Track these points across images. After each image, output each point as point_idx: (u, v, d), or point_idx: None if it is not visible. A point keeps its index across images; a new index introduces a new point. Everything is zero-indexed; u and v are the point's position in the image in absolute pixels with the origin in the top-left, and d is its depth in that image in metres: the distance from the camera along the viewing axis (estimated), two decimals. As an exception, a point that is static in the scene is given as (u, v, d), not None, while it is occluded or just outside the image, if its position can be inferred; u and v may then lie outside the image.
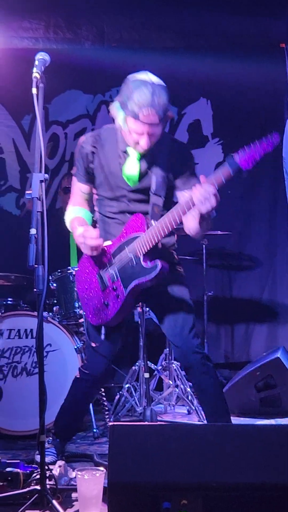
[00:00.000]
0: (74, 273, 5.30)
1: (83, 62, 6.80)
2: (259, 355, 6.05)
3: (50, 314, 5.28)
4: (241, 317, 7.05)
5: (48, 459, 3.85)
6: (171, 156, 3.93)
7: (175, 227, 3.70)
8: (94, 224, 4.16)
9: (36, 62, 3.56)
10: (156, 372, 5.79)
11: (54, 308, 5.39)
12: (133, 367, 5.52)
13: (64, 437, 4.27)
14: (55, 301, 5.45)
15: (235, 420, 5.34)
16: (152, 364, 5.69)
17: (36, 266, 3.21)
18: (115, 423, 3.63)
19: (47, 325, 5.07)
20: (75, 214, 4.10)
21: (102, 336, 3.97)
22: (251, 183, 7.10)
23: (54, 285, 5.42)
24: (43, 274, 3.23)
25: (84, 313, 4.13)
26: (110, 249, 3.95)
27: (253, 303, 7.06)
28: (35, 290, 3.25)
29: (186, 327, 3.97)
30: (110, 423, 3.11)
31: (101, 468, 3.32)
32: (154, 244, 3.74)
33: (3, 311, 5.25)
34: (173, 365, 5.71)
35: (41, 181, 3.29)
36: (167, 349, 5.80)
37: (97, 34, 6.86)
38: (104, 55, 6.62)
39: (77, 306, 5.27)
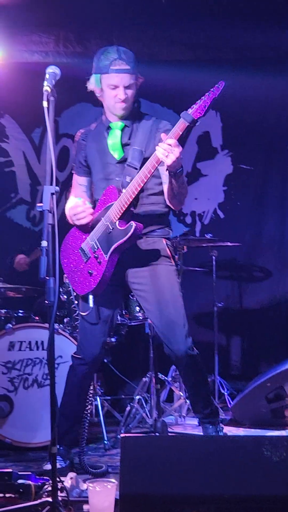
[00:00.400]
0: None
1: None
2: (269, 366, 6.04)
3: (61, 326, 5.30)
4: (252, 328, 7.04)
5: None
6: (149, 133, 4.18)
7: (142, 185, 3.92)
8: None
9: (47, 76, 3.60)
10: (166, 383, 5.79)
11: (65, 320, 5.41)
12: (144, 379, 5.52)
13: (68, 442, 4.30)
14: (66, 313, 5.47)
15: (246, 431, 5.34)
16: (163, 376, 5.69)
17: (47, 278, 3.23)
18: (126, 434, 3.63)
19: (58, 336, 5.08)
20: (73, 203, 4.31)
21: (91, 303, 4.14)
22: (260, 195, 7.11)
23: (65, 296, 5.45)
24: (54, 286, 3.24)
25: (72, 288, 4.32)
26: (89, 224, 4.18)
27: (264, 314, 7.05)
28: (46, 302, 3.26)
29: (178, 328, 4.16)
30: (121, 435, 3.12)
31: (113, 480, 3.31)
32: (126, 207, 3.97)
33: (14, 323, 5.27)
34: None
35: (52, 194, 3.31)
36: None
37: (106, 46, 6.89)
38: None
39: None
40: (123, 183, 4.07)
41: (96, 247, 4.11)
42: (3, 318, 5.55)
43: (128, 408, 5.43)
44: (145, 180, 3.90)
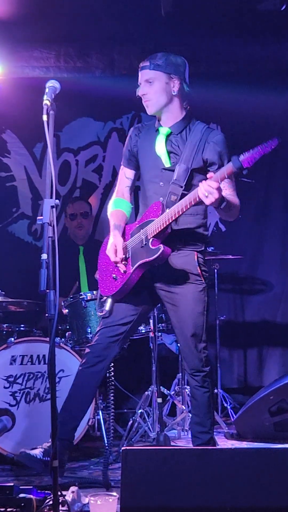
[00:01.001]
0: (86, 298, 5.33)
1: (93, 90, 6.87)
2: (272, 379, 6.03)
3: (63, 339, 5.30)
4: (254, 341, 7.03)
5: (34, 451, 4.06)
6: (197, 145, 4.21)
7: (181, 214, 3.97)
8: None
9: (46, 90, 3.64)
10: (169, 397, 5.78)
11: (67, 334, 5.41)
12: (146, 392, 5.51)
13: (62, 436, 4.07)
14: (68, 327, 5.47)
15: (249, 445, 5.32)
16: (165, 389, 5.68)
17: (47, 291, 3.23)
18: (127, 447, 3.61)
19: (59, 350, 5.09)
20: (116, 207, 4.46)
21: (107, 306, 4.22)
22: (262, 207, 7.12)
23: (67, 310, 5.45)
24: (55, 299, 3.24)
25: (98, 285, 4.41)
26: (131, 229, 4.31)
27: (266, 327, 7.04)
28: (46, 315, 3.26)
29: (197, 345, 4.19)
30: (123, 448, 3.10)
31: (114, 494, 3.30)
32: (163, 228, 4.02)
33: (15, 337, 5.26)
34: (186, 390, 5.68)
35: (52, 207, 3.33)
36: (180, 374, 5.79)
37: (107, 62, 6.94)
38: (114, 83, 6.68)
39: (89, 331, 5.28)
40: (167, 202, 4.11)
41: (127, 256, 4.22)
42: (4, 332, 5.55)
43: (130, 422, 5.42)
44: (184, 210, 3.95)
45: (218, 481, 2.97)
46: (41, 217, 3.33)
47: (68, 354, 5.14)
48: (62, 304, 5.47)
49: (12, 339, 5.14)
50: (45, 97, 3.59)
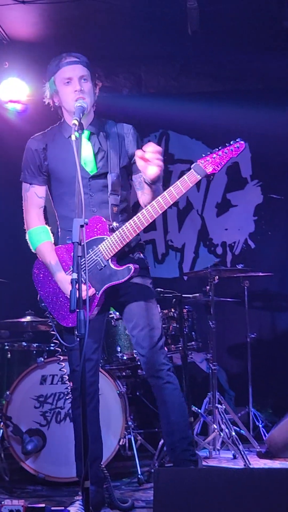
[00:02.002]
0: (116, 317, 5.32)
1: (121, 108, 6.89)
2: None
3: (93, 359, 5.28)
4: (286, 359, 6.96)
5: (72, 510, 3.85)
6: (118, 144, 4.02)
7: (142, 229, 3.78)
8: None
9: (74, 110, 3.64)
10: (200, 416, 5.73)
11: (97, 353, 5.39)
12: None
13: (94, 478, 4.01)
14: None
15: (282, 464, 5.25)
16: (196, 408, 5.63)
17: (77, 310, 3.22)
18: (159, 467, 3.58)
19: (90, 370, 5.07)
20: (42, 239, 4.13)
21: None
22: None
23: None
24: (85, 318, 3.23)
25: (53, 315, 4.07)
26: (70, 251, 3.95)
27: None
28: (77, 334, 3.25)
29: (155, 336, 3.99)
30: (155, 468, 3.08)
31: (146, 514, 3.27)
32: (122, 246, 3.80)
33: (45, 356, 5.26)
34: (218, 409, 5.63)
35: (81, 226, 3.32)
36: (211, 392, 5.74)
37: (134, 81, 6.98)
38: (142, 101, 6.70)
39: (119, 350, 5.27)
40: (111, 214, 3.93)
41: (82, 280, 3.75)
42: (34, 352, 5.55)
43: (161, 442, 5.36)
44: (146, 225, 3.75)
45: (251, 501, 2.93)
46: (69, 237, 3.33)
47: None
48: None
49: (42, 358, 5.13)
50: (73, 117, 3.61)
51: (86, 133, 4.01)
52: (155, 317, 4.03)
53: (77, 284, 3.19)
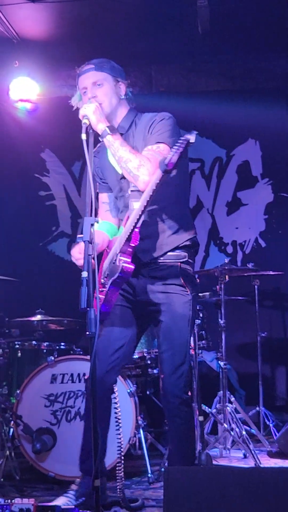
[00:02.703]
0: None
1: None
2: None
3: (103, 358, 5.27)
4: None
5: (59, 501, 3.83)
6: (144, 134, 3.90)
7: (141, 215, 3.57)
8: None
9: None
10: (210, 415, 5.72)
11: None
12: (187, 411, 5.46)
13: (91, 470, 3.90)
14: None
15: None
16: (206, 407, 5.63)
17: (88, 309, 3.22)
18: (169, 467, 3.57)
19: (100, 369, 5.07)
20: (98, 228, 3.91)
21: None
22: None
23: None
24: (95, 317, 3.23)
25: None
26: (111, 245, 3.98)
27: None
28: (87, 333, 3.25)
29: (174, 362, 3.82)
30: (165, 467, 3.07)
31: (157, 513, 3.27)
32: (124, 241, 3.65)
33: (56, 355, 5.26)
34: (228, 408, 5.63)
35: (92, 225, 3.32)
36: (221, 391, 5.73)
37: (145, 80, 6.97)
38: (153, 100, 6.68)
39: (130, 349, 5.26)
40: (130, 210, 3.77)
41: (106, 273, 3.86)
42: (45, 351, 5.56)
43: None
44: (143, 209, 3.51)
45: (261, 500, 2.92)
46: (81, 235, 3.32)
47: (108, 372, 5.11)
48: None
49: (53, 357, 5.13)
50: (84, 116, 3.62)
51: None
52: (180, 340, 3.84)
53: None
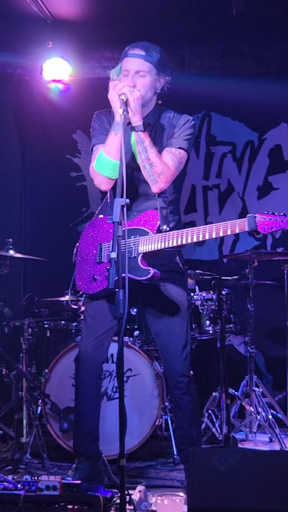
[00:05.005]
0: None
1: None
2: None
3: (131, 339, 5.30)
4: None
5: None
6: (168, 131, 4.04)
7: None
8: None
9: None
10: (237, 398, 5.73)
11: (135, 333, 5.42)
12: (214, 394, 5.48)
13: (86, 453, 4.15)
14: (136, 326, 5.48)
15: None
16: (233, 391, 5.63)
17: (116, 290, 3.23)
18: (194, 448, 3.59)
19: (127, 350, 5.10)
20: None
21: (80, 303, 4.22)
22: None
23: (135, 310, 5.46)
24: (124, 298, 3.24)
25: (75, 275, 4.16)
26: (109, 226, 4.04)
27: None
28: (115, 314, 3.26)
29: (179, 345, 4.06)
30: (190, 448, 3.09)
31: (181, 494, 3.29)
32: (158, 249, 3.83)
33: (84, 336, 5.30)
34: (255, 392, 5.63)
35: (122, 206, 3.33)
36: (248, 375, 5.73)
37: (178, 62, 6.93)
38: (185, 82, 6.64)
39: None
40: (161, 217, 3.92)
41: (103, 260, 4.03)
42: (73, 331, 5.60)
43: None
44: (184, 244, 3.81)
45: (285, 483, 2.92)
46: (111, 217, 3.34)
47: (136, 353, 5.14)
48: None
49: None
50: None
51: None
52: (182, 327, 4.08)
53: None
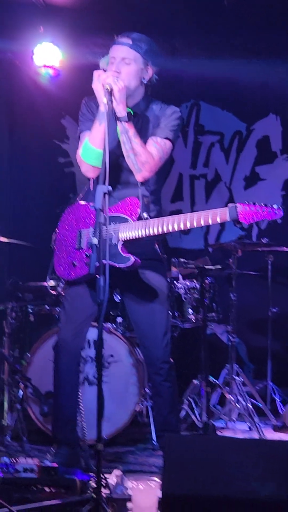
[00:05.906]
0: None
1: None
2: None
3: (113, 325, 5.33)
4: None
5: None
6: (154, 122, 4.06)
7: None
8: None
9: None
10: (217, 386, 5.76)
11: (118, 320, 5.44)
12: (194, 381, 5.52)
13: (65, 439, 4.21)
14: (119, 313, 5.51)
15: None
16: (214, 379, 5.67)
17: (97, 276, 3.26)
18: (171, 434, 3.63)
19: (110, 336, 5.13)
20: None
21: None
22: None
23: (119, 297, 5.48)
24: (104, 284, 3.27)
25: (54, 260, 4.23)
26: (88, 212, 4.10)
27: None
28: (96, 300, 3.29)
29: (159, 332, 4.09)
30: (166, 435, 3.12)
31: (156, 479, 3.33)
32: (138, 237, 3.85)
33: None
34: (235, 381, 5.67)
35: (105, 193, 3.35)
36: (229, 364, 5.77)
37: (168, 51, 6.93)
38: (174, 72, 6.64)
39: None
40: (142, 205, 3.92)
41: (82, 247, 4.05)
42: (57, 316, 5.61)
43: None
44: (164, 233, 3.84)
45: (264, 471, 2.96)
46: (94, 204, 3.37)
47: (118, 339, 5.17)
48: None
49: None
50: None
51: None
52: (162, 314, 4.12)
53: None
